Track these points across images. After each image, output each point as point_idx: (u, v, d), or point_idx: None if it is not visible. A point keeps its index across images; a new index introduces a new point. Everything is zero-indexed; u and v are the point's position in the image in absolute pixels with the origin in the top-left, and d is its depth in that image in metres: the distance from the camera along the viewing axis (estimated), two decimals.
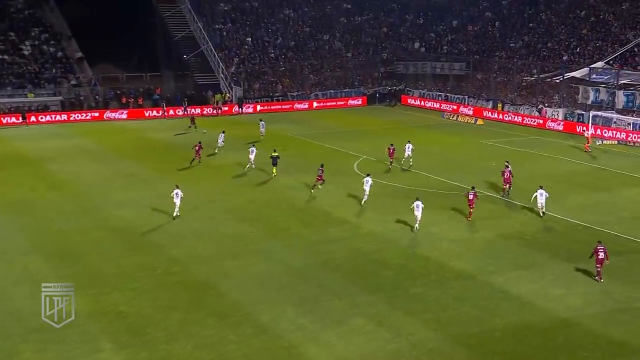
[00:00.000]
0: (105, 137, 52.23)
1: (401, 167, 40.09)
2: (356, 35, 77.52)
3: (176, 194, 31.14)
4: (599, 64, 57.42)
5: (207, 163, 42.76)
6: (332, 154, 45.30)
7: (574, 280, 24.00)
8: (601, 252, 24.44)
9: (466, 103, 64.28)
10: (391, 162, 40.46)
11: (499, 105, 61.28)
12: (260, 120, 50.96)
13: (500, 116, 59.62)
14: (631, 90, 52.16)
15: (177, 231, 29.36)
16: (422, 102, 68.59)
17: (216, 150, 44.46)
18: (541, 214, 31.15)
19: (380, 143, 48.71)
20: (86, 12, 68.33)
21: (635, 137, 48.30)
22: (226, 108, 63.81)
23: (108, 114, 60.69)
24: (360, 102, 69.49)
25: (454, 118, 60.76)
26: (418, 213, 29.29)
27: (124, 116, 60.90)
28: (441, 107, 65.25)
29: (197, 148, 41.86)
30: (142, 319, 21.40)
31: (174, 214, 30.90)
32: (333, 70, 72.75)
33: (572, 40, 65.30)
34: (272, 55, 71.65)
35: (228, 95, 65.34)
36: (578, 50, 63.35)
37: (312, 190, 34.99)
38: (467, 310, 21.93)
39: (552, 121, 55.18)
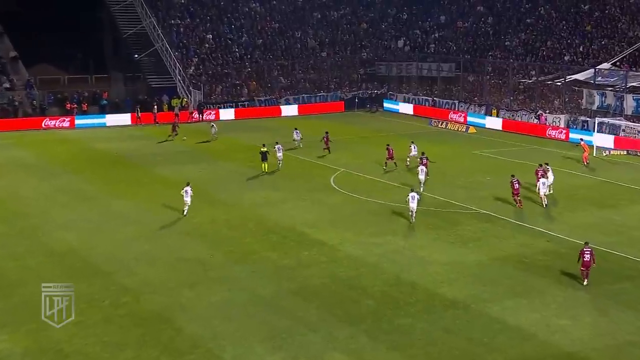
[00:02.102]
0: (45, 148, 51.76)
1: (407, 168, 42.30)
2: (332, 33, 78.02)
3: (186, 191, 34.18)
4: (605, 65, 58.39)
5: (161, 178, 42.55)
6: (306, 167, 45.38)
7: (580, 309, 24.20)
8: (587, 254, 25.87)
9: (456, 109, 64.91)
10: (392, 163, 42.94)
11: (494, 111, 61.95)
12: (295, 129, 51.37)
13: (495, 123, 60.24)
14: None
15: (127, 256, 29.07)
16: (407, 107, 69.04)
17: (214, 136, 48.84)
18: (544, 205, 34.10)
19: (360, 154, 48.99)
20: (21, 5, 67.81)
21: None
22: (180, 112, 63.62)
23: (47, 122, 60.15)
24: (337, 108, 69.75)
25: (443, 125, 61.29)
26: (413, 205, 32.38)
27: (66, 124, 60.42)
28: (428, 113, 65.78)
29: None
30: (86, 358, 21.08)
31: (184, 212, 34.18)
32: (306, 72, 73.09)
33: (574, 38, 66.39)
34: (237, 54, 71.77)
35: (186, 100, 65.19)
36: (581, 49, 64.41)
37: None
38: (459, 344, 21.96)
39: (552, 129, 55.91)
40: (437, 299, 24.94)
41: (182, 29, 72.00)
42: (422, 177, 38.66)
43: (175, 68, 67.07)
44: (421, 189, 37.48)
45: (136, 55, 68.01)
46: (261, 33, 75.09)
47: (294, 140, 50.36)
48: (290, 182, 41.43)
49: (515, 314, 23.81)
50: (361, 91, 72.62)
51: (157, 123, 61.69)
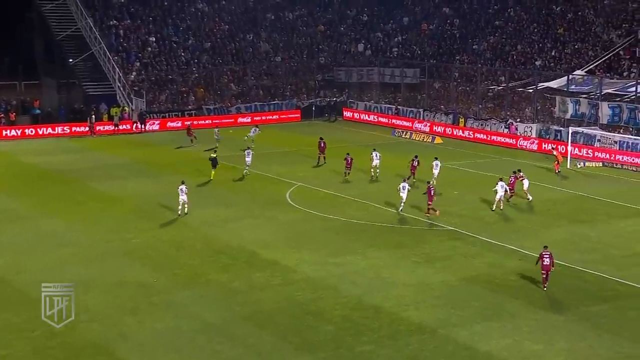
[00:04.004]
0: None
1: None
2: (287, 36, 78.25)
3: (181, 190, 36.58)
4: (579, 73, 59.51)
5: (99, 194, 42.06)
6: (259, 181, 45.27)
7: (555, 333, 24.48)
8: (546, 257, 27.55)
9: (421, 117, 65.49)
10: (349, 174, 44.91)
11: (461, 120, 62.68)
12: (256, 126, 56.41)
13: (462, 133, 60.97)
14: (617, 101, 54.18)
15: (60, 281, 28.48)
16: (369, 116, 69.50)
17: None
18: (497, 208, 37.80)
19: (318, 167, 49.02)
20: None
21: (622, 158, 50.05)
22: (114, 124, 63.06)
23: None
24: (293, 117, 69.85)
25: (407, 136, 61.76)
26: (404, 195, 36.78)
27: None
28: (391, 123, 66.26)
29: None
30: None
31: (184, 212, 36.68)
32: (259, 78, 73.09)
33: (546, 41, 67.67)
34: (183, 59, 71.47)
35: (127, 108, 64.64)
36: (554, 53, 65.67)
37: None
38: None
39: (524, 139, 56.74)
40: (402, 324, 25.00)
41: (121, 31, 71.43)
42: (435, 171, 42.56)
43: (115, 74, 66.46)
44: (433, 182, 40.43)
45: (71, 60, 67.20)
46: (209, 36, 74.92)
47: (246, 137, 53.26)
48: (242, 197, 41.27)
49: (486, 339, 23.98)
50: (319, 99, 72.83)
51: (94, 134, 61.03)
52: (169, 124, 64.52)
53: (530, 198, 40.17)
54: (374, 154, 45.25)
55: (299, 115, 70.17)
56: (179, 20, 75.02)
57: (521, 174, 41.06)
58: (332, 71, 75.58)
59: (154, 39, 71.85)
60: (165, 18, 74.71)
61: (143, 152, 54.78)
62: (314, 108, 70.83)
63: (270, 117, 68.66)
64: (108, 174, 47.26)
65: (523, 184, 40.38)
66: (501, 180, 38.86)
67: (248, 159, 45.87)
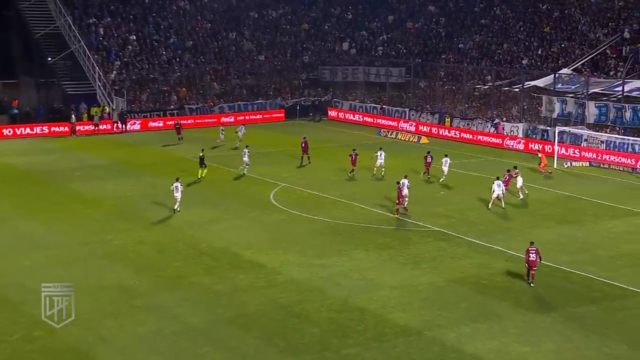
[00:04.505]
0: None
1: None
2: (270, 34, 78.20)
3: (176, 187, 37.41)
4: (565, 71, 59.86)
5: (79, 196, 41.90)
6: (243, 182, 45.23)
7: (542, 335, 24.59)
8: (533, 253, 28.11)
9: (407, 117, 65.63)
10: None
11: (447, 119, 62.86)
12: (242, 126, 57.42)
13: (448, 133, 61.15)
14: (604, 101, 54.52)
15: (39, 284, 28.30)
16: (354, 115, 69.57)
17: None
18: (522, 195, 38.96)
19: (303, 167, 49.04)
20: None
21: (610, 158, 50.36)
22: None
23: None
24: (277, 117, 69.80)
25: (393, 135, 61.88)
26: (405, 191, 37.05)
27: None
28: (377, 122, 66.36)
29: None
30: None
31: (175, 207, 37.51)
32: (242, 77, 72.99)
33: (532, 40, 67.99)
34: (164, 58, 71.25)
35: (107, 108, 64.38)
36: (540, 52, 65.99)
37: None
38: None
39: (510, 139, 56.96)
40: (388, 326, 25.03)
41: (101, 30, 71.11)
42: (445, 168, 44.33)
43: (95, 73, 66.20)
44: (442, 179, 43.92)
45: (50, 59, 66.83)
46: (191, 34, 74.73)
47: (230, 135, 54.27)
48: (226, 198, 41.21)
49: (473, 340, 24.05)
50: (303, 98, 72.78)
51: (75, 134, 60.78)
52: (151, 124, 64.32)
53: (521, 196, 40.54)
54: (379, 152, 45.78)
55: (283, 114, 70.15)
56: (160, 18, 74.80)
57: (516, 170, 41.62)
58: (317, 70, 75.61)
59: (135, 38, 71.56)
60: (146, 16, 74.44)
61: (124, 152, 54.60)
62: (298, 107, 70.81)
63: (254, 116, 68.60)
64: (88, 174, 47.07)
65: (517, 181, 40.77)
66: (498, 179, 39.23)
67: (245, 159, 46.12)
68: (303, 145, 49.92)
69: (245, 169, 46.29)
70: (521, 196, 40.58)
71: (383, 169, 45.55)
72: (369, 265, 30.63)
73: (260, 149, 53.91)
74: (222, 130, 56.93)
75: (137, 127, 63.65)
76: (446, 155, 45.28)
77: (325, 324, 25.23)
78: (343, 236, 34.55)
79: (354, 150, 46.37)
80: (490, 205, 38.82)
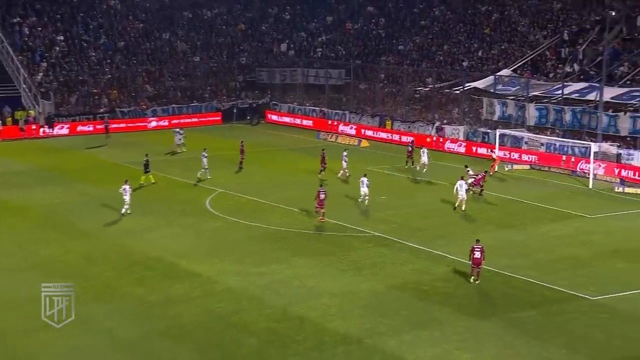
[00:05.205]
0: None
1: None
2: (205, 34, 77.81)
3: (124, 190, 37.45)
4: (505, 72, 60.96)
5: (4, 203, 41.13)
6: (178, 188, 44.90)
7: (484, 341, 24.96)
8: (478, 251, 29.06)
9: (347, 120, 65.97)
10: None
11: (387, 122, 63.39)
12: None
13: (389, 136, 61.67)
14: (544, 103, 55.66)
15: None
16: (293, 119, 69.65)
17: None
18: (463, 209, 39.11)
19: (240, 172, 48.90)
20: None
21: (551, 161, 51.35)
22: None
23: None
24: (213, 120, 69.45)
25: (332, 139, 62.14)
26: (364, 190, 39.33)
27: None
28: (316, 126, 66.55)
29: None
30: None
31: (123, 211, 37.58)
32: (176, 79, 72.45)
33: (472, 42, 69.08)
34: (94, 59, 70.31)
35: (32, 112, 63.22)
36: (480, 54, 67.07)
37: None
38: None
39: (451, 142, 57.72)
40: (328, 335, 25.12)
41: (26, 29, 69.84)
42: (424, 158, 47.73)
43: (20, 75, 64.96)
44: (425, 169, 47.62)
45: None
46: (122, 34, 73.92)
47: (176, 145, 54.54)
48: (160, 205, 40.85)
49: (414, 348, 24.30)
50: (240, 101, 72.58)
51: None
52: (80, 128, 63.40)
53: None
54: (344, 153, 47.09)
55: (219, 118, 69.82)
56: (89, 18, 73.83)
57: (468, 169, 43.41)
58: (254, 72, 75.46)
59: (63, 38, 70.50)
60: (74, 15, 73.40)
61: (51, 158, 53.70)
62: (235, 110, 70.56)
63: (189, 120, 68.10)
64: (13, 181, 46.18)
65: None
66: (462, 179, 39.94)
67: (203, 163, 46.08)
68: (241, 149, 49.89)
69: (208, 173, 46.16)
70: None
71: (348, 171, 46.30)
72: (308, 273, 30.69)
73: (196, 154, 53.51)
74: (178, 131, 56.39)
75: (65, 131, 62.69)
76: (422, 146, 47.98)
77: (263, 334, 25.19)
78: (282, 243, 34.56)
79: (323, 150, 47.46)
80: (456, 207, 39.58)
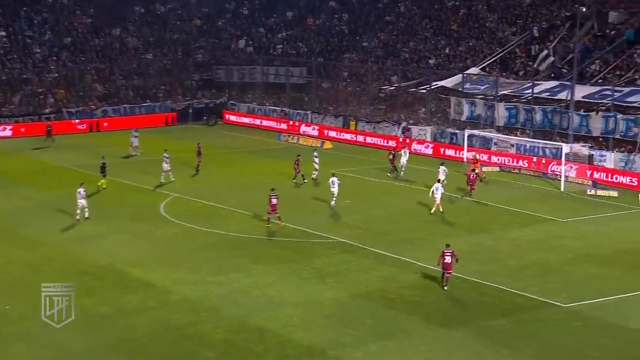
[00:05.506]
0: None
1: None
2: (159, 30, 77.44)
3: (79, 193, 37.25)
4: (474, 70, 61.45)
5: None
6: (130, 192, 44.59)
7: (453, 351, 25.08)
8: (448, 256, 29.33)
9: (309, 120, 66.02)
10: (300, 176, 46.76)
11: (351, 122, 63.56)
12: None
13: (353, 137, 61.81)
14: (513, 103, 56.20)
15: None
16: (252, 119, 69.51)
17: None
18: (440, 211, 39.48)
19: (197, 175, 48.68)
20: None
21: (520, 163, 51.87)
22: None
23: None
24: (167, 121, 69.08)
25: (294, 140, 62.14)
26: (334, 189, 39.92)
27: None
28: (277, 126, 66.52)
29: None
30: None
31: (83, 216, 37.49)
32: (128, 77, 71.98)
33: (439, 38, 69.55)
34: (39, 56, 69.60)
35: None
36: (447, 51, 67.56)
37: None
38: None
39: (418, 143, 58.00)
40: (290, 347, 25.07)
41: None
42: (404, 159, 49.17)
43: None
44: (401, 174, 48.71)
45: None
46: (69, 30, 73.33)
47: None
48: (111, 210, 40.49)
49: (380, 359, 24.33)
50: (196, 100, 72.36)
51: None
52: (24, 130, 62.67)
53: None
54: (314, 154, 47.59)
55: (174, 118, 69.50)
56: (34, 12, 73.17)
57: (443, 167, 44.58)
58: (211, 70, 75.29)
59: (5, 34, 69.91)
60: (17, 9, 72.80)
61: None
62: (191, 111, 70.34)
63: (141, 120, 67.58)
64: None
65: (438, 173, 43.79)
66: (438, 181, 40.72)
67: (166, 166, 45.97)
68: (198, 151, 49.70)
69: (171, 175, 46.19)
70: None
71: (315, 172, 46.78)
72: (269, 281, 30.61)
73: (149, 157, 53.26)
74: (134, 132, 56.10)
75: (7, 133, 62.02)
76: (442, 164, 46.32)
77: (221, 346, 25.06)
78: (241, 250, 34.45)
79: (298, 155, 47.32)
80: (433, 210, 40.03)
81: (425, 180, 47.07)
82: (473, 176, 43.99)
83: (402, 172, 48.91)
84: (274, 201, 37.23)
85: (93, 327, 26.34)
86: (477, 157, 49.74)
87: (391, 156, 49.50)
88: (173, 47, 76.39)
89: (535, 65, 59.94)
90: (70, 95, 68.40)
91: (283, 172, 47.46)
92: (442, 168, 44.97)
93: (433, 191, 39.86)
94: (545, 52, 59.83)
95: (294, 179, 46.52)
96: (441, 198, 40.10)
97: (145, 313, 27.49)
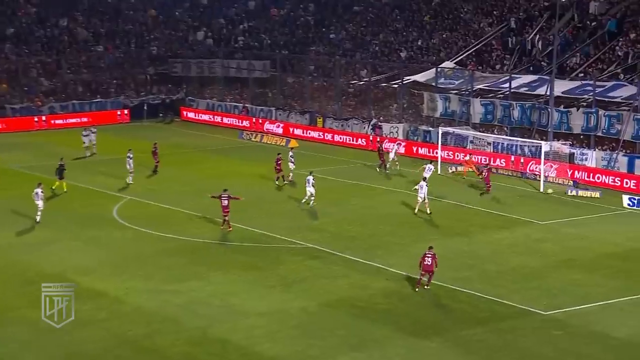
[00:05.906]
0: None
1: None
2: (110, 21, 76.96)
3: (37, 194, 37.53)
4: (448, 64, 61.73)
5: None
6: (80, 195, 44.30)
7: None
8: (429, 257, 29.99)
9: (273, 118, 65.97)
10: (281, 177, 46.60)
11: (318, 119, 63.60)
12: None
13: (320, 135, 61.87)
14: (490, 98, 56.56)
15: None
16: (212, 116, 69.36)
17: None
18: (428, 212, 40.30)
19: (152, 177, 48.44)
20: None
21: (498, 162, 52.17)
22: None
23: None
24: (119, 118, 68.72)
25: (257, 138, 62.06)
26: (310, 189, 40.92)
27: None
28: (238, 124, 66.41)
29: None
30: None
31: (37, 219, 37.75)
32: (77, 71, 71.49)
33: (411, 30, 69.83)
34: None
35: None
36: (420, 43, 67.84)
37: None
38: None
39: (390, 141, 58.06)
40: (254, 359, 25.01)
41: None
42: (392, 156, 50.80)
43: None
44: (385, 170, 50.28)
45: None
46: (12, 20, 72.70)
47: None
48: (59, 215, 40.19)
49: None
50: (151, 96, 72.06)
51: None
52: None
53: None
54: (290, 153, 47.83)
55: (127, 115, 69.14)
56: None
57: (430, 165, 45.83)
58: (167, 63, 74.96)
59: None
60: None
61: None
62: (145, 107, 70.06)
63: (91, 117, 67.14)
64: None
65: (424, 170, 44.67)
66: (424, 180, 41.17)
67: (129, 166, 46.09)
68: (154, 151, 49.45)
69: (131, 177, 46.41)
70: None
71: (291, 173, 46.89)
72: (231, 290, 30.53)
73: (100, 156, 52.94)
74: (88, 130, 55.71)
75: None
76: (430, 162, 47.56)
77: (180, 359, 24.92)
78: (201, 256, 34.35)
79: (278, 154, 47.24)
80: (416, 212, 40.43)
81: (399, 181, 47.31)
82: (485, 173, 45.27)
83: (397, 166, 50.75)
84: (225, 202, 37.20)
85: (42, 339, 26.11)
86: (469, 157, 50.20)
87: (380, 150, 51.07)
88: (126, 39, 75.96)
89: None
90: (13, 90, 67.78)
91: (247, 173, 47.34)
92: (428, 166, 45.49)
93: (417, 189, 40.21)
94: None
95: (276, 181, 46.42)
96: (427, 198, 40.23)
97: (97, 325, 27.28)
